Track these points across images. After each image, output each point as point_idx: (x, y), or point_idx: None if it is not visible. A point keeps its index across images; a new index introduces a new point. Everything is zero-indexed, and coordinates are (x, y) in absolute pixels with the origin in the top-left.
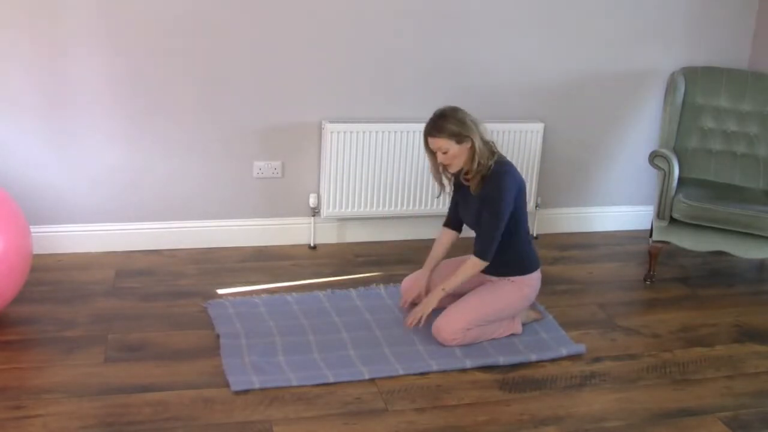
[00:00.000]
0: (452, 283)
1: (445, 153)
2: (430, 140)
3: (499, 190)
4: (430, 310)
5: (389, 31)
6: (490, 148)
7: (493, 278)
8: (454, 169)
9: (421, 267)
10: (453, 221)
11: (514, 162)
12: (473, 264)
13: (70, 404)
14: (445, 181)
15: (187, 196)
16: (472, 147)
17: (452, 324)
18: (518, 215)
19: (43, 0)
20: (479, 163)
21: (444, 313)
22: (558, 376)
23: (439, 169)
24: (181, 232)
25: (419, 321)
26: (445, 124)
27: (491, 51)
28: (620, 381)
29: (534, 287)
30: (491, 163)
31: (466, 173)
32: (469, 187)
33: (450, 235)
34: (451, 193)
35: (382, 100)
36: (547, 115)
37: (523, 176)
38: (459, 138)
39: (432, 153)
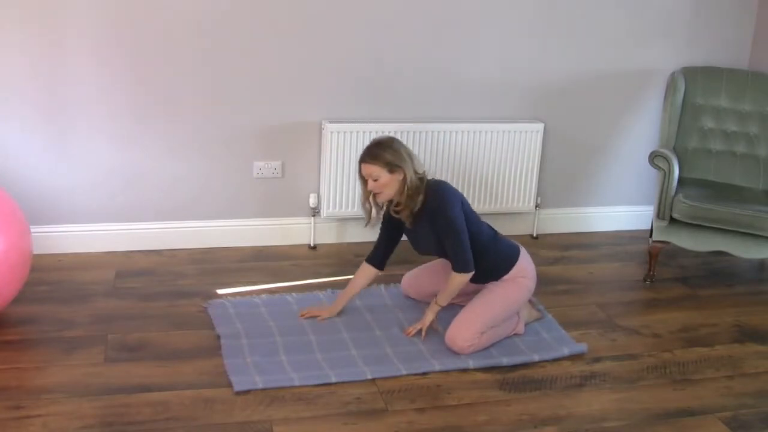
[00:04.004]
0: (445, 296)
1: (375, 180)
2: (363, 166)
3: (445, 209)
4: (429, 323)
5: (389, 32)
6: (421, 181)
7: (487, 285)
8: (382, 199)
9: (419, 266)
10: (377, 258)
11: (513, 162)
12: (460, 278)
13: (70, 404)
14: (374, 212)
15: (187, 196)
16: (404, 178)
17: (465, 331)
18: (471, 223)
19: (44, 4)
20: (408, 196)
21: (454, 323)
22: (558, 376)
23: (368, 197)
24: (181, 232)
25: (419, 332)
26: (380, 152)
27: (491, 51)
28: (620, 381)
29: (529, 276)
30: (421, 198)
31: (396, 205)
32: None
33: (370, 272)
34: (380, 227)
35: (382, 100)
36: (547, 115)
37: (523, 176)
38: (391, 167)
39: (364, 181)
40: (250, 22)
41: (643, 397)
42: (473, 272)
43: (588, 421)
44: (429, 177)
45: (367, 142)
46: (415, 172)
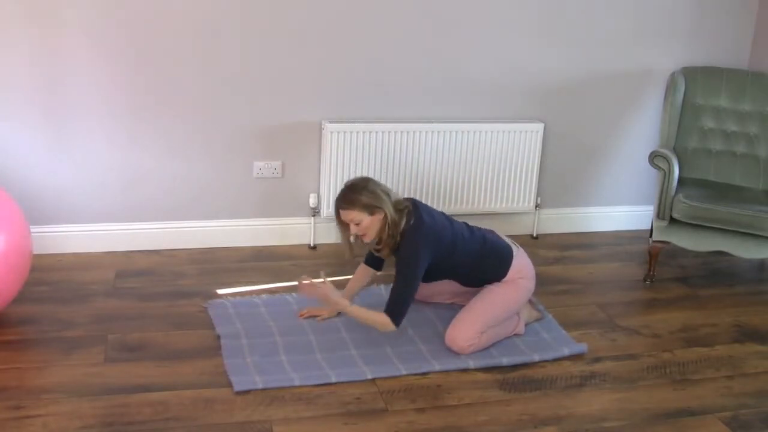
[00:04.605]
0: (358, 313)
1: (357, 224)
2: (342, 213)
3: (410, 255)
4: (327, 298)
5: (389, 32)
6: (401, 213)
7: (487, 286)
8: (368, 239)
9: None
10: (373, 261)
11: (513, 162)
12: (383, 323)
13: (70, 404)
14: (356, 251)
15: (187, 196)
16: (385, 218)
17: (465, 331)
18: (456, 247)
19: (43, 6)
20: (389, 235)
21: (454, 323)
22: (558, 376)
23: (348, 239)
24: (181, 232)
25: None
26: (357, 196)
27: (491, 51)
28: (620, 381)
29: (528, 276)
30: (400, 231)
31: (378, 243)
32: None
33: (369, 272)
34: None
35: (382, 100)
36: (547, 115)
37: (523, 176)
38: (371, 209)
39: (343, 224)
40: (251, 22)
41: (643, 397)
42: (396, 329)
43: (588, 421)
44: (414, 195)
45: (367, 142)
46: (395, 208)
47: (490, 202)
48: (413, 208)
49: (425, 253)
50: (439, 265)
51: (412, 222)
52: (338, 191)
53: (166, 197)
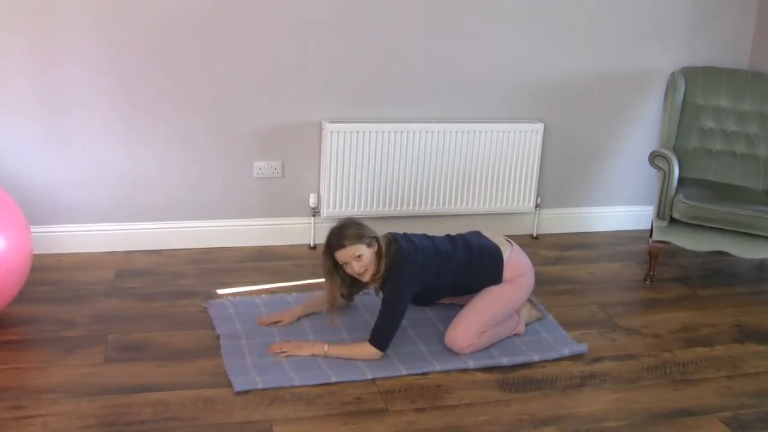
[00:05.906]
0: (340, 352)
1: (359, 260)
2: (340, 253)
3: (396, 284)
4: (298, 354)
5: (389, 31)
6: (387, 246)
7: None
8: (367, 276)
9: None
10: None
11: (513, 162)
12: (369, 353)
13: (70, 404)
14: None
15: (187, 196)
16: (379, 249)
17: (466, 330)
18: (445, 264)
19: (41, 4)
20: (384, 265)
21: (454, 323)
22: (558, 376)
23: (335, 294)
24: (181, 232)
25: (282, 352)
26: (351, 231)
27: (491, 51)
28: (620, 381)
29: (526, 273)
30: (386, 263)
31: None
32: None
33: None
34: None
35: (382, 100)
36: (547, 115)
37: (523, 176)
38: (368, 241)
39: (333, 274)
40: (251, 22)
41: (643, 397)
42: (382, 355)
43: (588, 421)
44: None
45: (367, 142)
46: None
47: (490, 202)
48: (393, 238)
49: (410, 281)
50: (433, 288)
51: (393, 253)
52: (326, 238)
53: (166, 197)
